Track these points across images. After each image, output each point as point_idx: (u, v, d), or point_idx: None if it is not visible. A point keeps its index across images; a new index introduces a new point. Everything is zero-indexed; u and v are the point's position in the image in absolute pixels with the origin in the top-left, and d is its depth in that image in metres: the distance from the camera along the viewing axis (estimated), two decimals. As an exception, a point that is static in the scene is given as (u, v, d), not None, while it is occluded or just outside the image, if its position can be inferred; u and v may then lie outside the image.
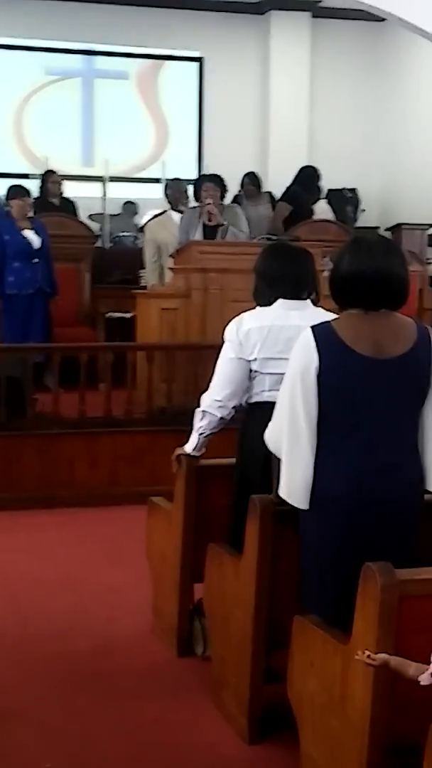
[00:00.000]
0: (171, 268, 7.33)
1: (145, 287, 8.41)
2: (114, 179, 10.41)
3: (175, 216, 7.83)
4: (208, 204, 7.08)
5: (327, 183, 11.16)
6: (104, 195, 10.00)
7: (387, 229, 10.24)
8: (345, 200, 10.86)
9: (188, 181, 8.32)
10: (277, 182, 10.10)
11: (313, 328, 3.02)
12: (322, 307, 3.86)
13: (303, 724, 2.83)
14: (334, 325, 3.01)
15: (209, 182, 7.19)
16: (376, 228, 11.23)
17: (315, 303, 3.81)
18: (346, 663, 2.59)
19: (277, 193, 10.06)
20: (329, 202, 10.75)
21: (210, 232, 7.18)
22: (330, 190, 11.23)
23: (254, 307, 3.83)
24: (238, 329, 3.73)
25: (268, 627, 3.23)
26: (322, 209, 10.39)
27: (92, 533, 5.82)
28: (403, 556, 2.83)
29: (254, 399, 3.75)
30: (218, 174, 7.39)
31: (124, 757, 3.23)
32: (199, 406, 3.84)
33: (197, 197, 7.29)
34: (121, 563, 5.23)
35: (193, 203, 7.59)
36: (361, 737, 2.51)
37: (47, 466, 6.31)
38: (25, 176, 10.81)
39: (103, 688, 3.74)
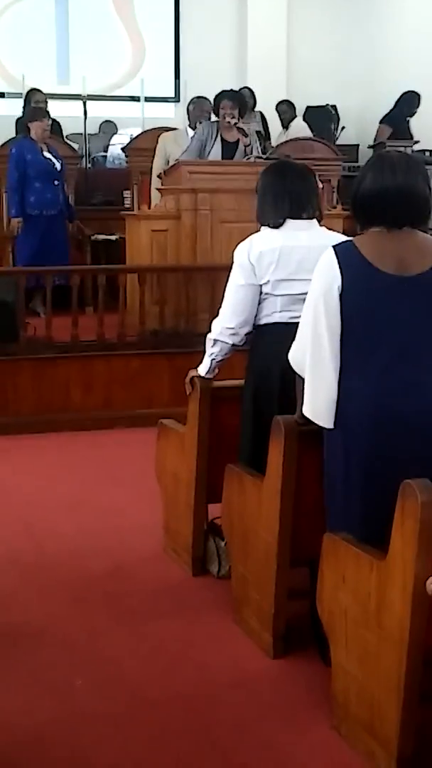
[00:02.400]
0: (159, 189, 7.23)
1: (130, 209, 8.32)
2: (91, 98, 10.18)
3: (191, 132, 7.65)
4: (232, 123, 6.94)
5: (305, 100, 11.03)
6: (85, 114, 9.80)
7: (369, 147, 10.15)
8: (327, 117, 10.73)
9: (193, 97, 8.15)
10: (256, 99, 9.93)
11: (334, 247, 3.00)
12: (326, 227, 3.85)
13: (335, 638, 2.88)
14: (357, 244, 2.99)
15: (228, 100, 7.02)
16: (356, 146, 11.15)
17: (319, 222, 3.80)
18: (382, 578, 2.63)
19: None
20: (306, 119, 10.61)
21: (229, 148, 7.06)
22: (309, 107, 11.09)
23: (258, 230, 3.80)
24: (250, 252, 3.70)
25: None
26: (300, 126, 10.26)
27: (90, 456, 5.85)
28: (430, 472, 2.86)
29: (264, 320, 3.75)
30: (238, 90, 7.19)
31: (151, 674, 3.28)
32: (209, 332, 3.82)
33: (216, 113, 7.13)
34: (123, 484, 5.28)
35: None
36: (398, 649, 2.57)
37: (42, 391, 6.32)
38: (1, 95, 10.58)
39: (121, 608, 3.79)
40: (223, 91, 7.11)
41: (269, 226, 3.74)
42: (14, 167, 7.54)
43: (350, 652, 2.81)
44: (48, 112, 7.88)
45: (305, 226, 3.70)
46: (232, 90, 7.30)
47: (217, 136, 7.04)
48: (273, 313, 3.72)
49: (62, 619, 3.69)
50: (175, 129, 8.01)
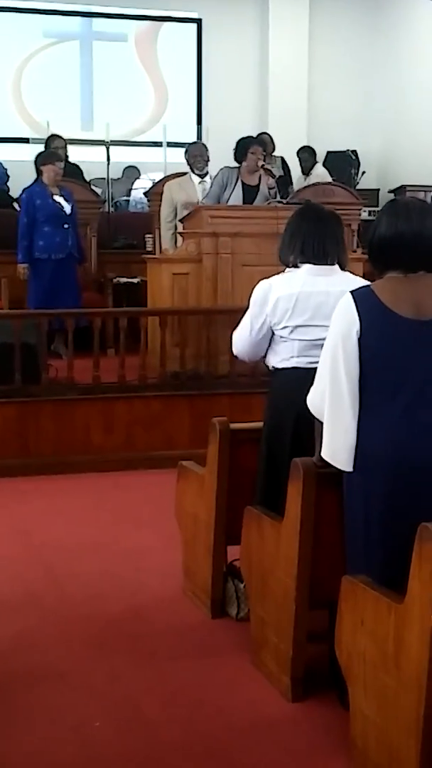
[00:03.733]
0: (181, 233, 7.32)
1: (152, 252, 8.41)
2: (114, 143, 10.35)
3: (195, 178, 7.80)
4: (261, 165, 7.11)
5: (326, 145, 11.15)
6: (108, 159, 9.94)
7: (390, 191, 10.24)
8: (347, 162, 10.83)
9: (188, 144, 8.30)
10: (277, 144, 10.05)
11: (352, 292, 3.04)
12: (350, 271, 3.88)
13: (353, 682, 2.88)
14: (374, 288, 3.03)
15: (258, 145, 7.18)
16: (377, 190, 11.25)
17: (343, 267, 3.83)
18: (400, 622, 2.64)
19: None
20: (327, 165, 10.72)
21: (250, 192, 7.16)
22: (330, 152, 11.21)
23: (281, 271, 3.85)
24: (269, 294, 3.76)
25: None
26: (321, 172, 10.37)
27: (111, 498, 5.87)
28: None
29: (282, 365, 3.79)
30: (267, 133, 7.33)
31: (169, 718, 3.28)
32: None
33: (240, 158, 7.22)
34: (143, 526, 5.29)
35: (215, 168, 7.52)
36: (417, 693, 2.57)
37: (63, 432, 6.36)
38: (26, 140, 10.77)
39: (140, 650, 3.79)
40: (249, 137, 7.23)
41: (287, 266, 3.79)
42: (24, 213, 7.67)
43: (369, 696, 2.81)
44: (60, 156, 8.00)
45: (326, 272, 3.74)
46: (252, 136, 7.40)
47: (237, 181, 7.14)
48: (291, 358, 3.76)
49: (82, 661, 3.70)
50: (183, 174, 8.11)
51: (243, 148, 7.17)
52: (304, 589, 3.27)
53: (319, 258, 3.74)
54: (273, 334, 3.80)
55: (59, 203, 7.72)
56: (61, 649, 3.80)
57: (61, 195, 7.77)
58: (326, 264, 3.75)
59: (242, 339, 3.89)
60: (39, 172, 7.83)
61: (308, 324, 3.69)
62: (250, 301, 3.83)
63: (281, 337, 3.76)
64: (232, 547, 3.99)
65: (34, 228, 7.63)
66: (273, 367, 3.87)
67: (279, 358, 3.80)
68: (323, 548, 3.27)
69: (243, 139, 7.24)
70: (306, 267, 3.74)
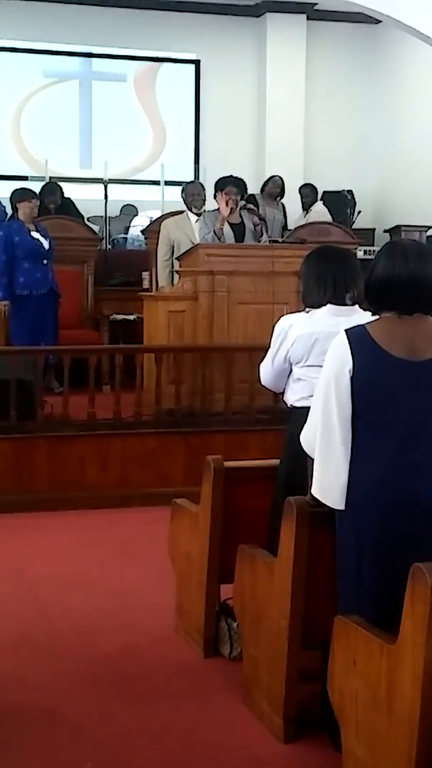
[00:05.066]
0: (177, 271, 7.37)
1: (148, 289, 8.46)
2: (112, 181, 10.43)
3: (192, 217, 7.87)
4: (236, 209, 7.12)
5: (323, 185, 11.24)
6: (106, 197, 10.01)
7: (385, 231, 10.32)
8: (343, 202, 10.92)
9: (185, 183, 8.39)
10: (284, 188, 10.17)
11: (347, 330, 3.07)
12: (369, 310, 3.90)
13: (346, 723, 2.87)
14: (368, 328, 3.05)
15: (233, 186, 7.16)
16: (373, 230, 11.33)
17: (361, 305, 3.85)
18: (392, 662, 2.63)
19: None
20: (325, 204, 10.80)
21: (238, 230, 7.18)
22: (327, 192, 11.30)
23: (301, 310, 3.90)
24: (288, 332, 3.82)
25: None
26: (320, 210, 10.45)
27: (105, 535, 5.85)
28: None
29: (300, 403, 3.81)
30: (240, 177, 7.37)
31: (161, 758, 3.26)
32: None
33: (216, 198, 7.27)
34: (136, 563, 5.27)
35: (213, 206, 7.54)
36: (409, 735, 2.56)
37: (58, 468, 6.35)
38: (25, 178, 10.85)
39: (132, 689, 3.77)
40: (222, 178, 7.25)
41: (312, 308, 3.82)
42: (2, 250, 7.68)
43: (361, 737, 2.79)
44: (35, 193, 8.03)
45: (346, 312, 3.72)
46: (226, 177, 7.38)
47: (224, 222, 7.18)
48: (309, 397, 3.74)
49: (73, 700, 3.68)
50: (179, 213, 8.17)
51: (219, 188, 7.22)
52: (297, 628, 3.26)
53: (340, 298, 3.76)
54: (291, 371, 3.84)
55: (38, 239, 7.76)
56: (52, 687, 3.78)
57: (37, 231, 7.81)
58: (346, 304, 3.77)
59: (266, 371, 3.99)
60: (14, 209, 7.88)
61: None
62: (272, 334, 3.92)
63: (299, 375, 3.79)
64: (225, 586, 3.98)
65: (13, 265, 7.66)
66: (291, 405, 3.90)
67: (297, 396, 3.84)
68: (316, 587, 3.26)
69: (219, 180, 7.26)
70: (327, 307, 3.76)
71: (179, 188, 8.32)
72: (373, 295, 3.11)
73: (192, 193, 8.01)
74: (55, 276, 7.95)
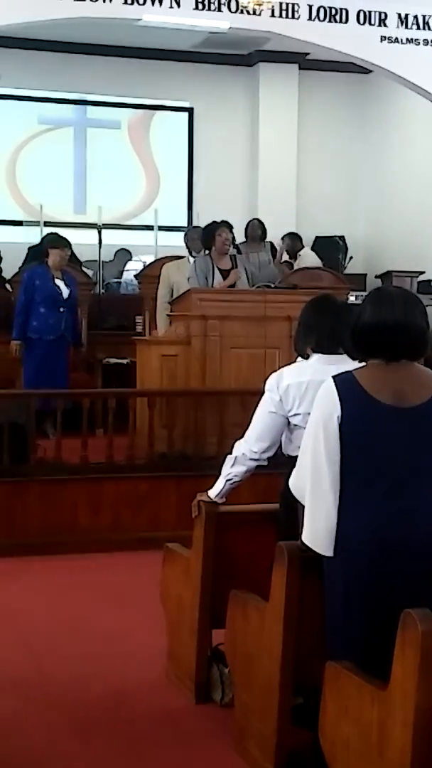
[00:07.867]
0: (169, 315, 7.42)
1: (142, 333, 8.50)
2: (106, 226, 10.52)
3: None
4: (229, 251, 7.31)
5: (314, 230, 11.38)
6: (100, 242, 10.09)
7: (377, 276, 10.41)
8: (335, 247, 11.03)
9: (186, 228, 8.49)
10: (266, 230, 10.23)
11: (335, 377, 3.09)
12: (356, 358, 3.93)
13: (337, 770, 2.86)
14: (356, 375, 3.08)
15: (225, 227, 7.35)
16: (364, 275, 11.43)
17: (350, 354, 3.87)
18: (384, 709, 2.63)
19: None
20: (315, 249, 10.91)
21: (227, 275, 7.33)
22: (318, 237, 11.42)
23: (294, 360, 3.91)
24: (278, 384, 3.80)
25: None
26: (310, 255, 10.54)
27: (97, 579, 5.83)
28: (429, 600, 2.88)
29: (296, 452, 3.79)
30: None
31: (151, 804, 3.24)
32: (230, 452, 3.89)
33: (208, 244, 7.38)
34: (128, 608, 5.25)
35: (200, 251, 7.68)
36: (400, 783, 2.55)
37: (50, 512, 6.32)
38: (19, 223, 10.95)
39: (122, 735, 3.75)
40: (213, 222, 7.38)
41: (303, 358, 3.85)
42: (22, 292, 7.82)
43: (352, 784, 2.78)
44: (69, 243, 8.09)
45: (336, 360, 3.71)
46: (216, 221, 7.52)
47: (213, 267, 7.31)
48: None
49: (63, 747, 3.65)
50: (180, 257, 8.26)
51: (210, 233, 7.34)
52: (288, 674, 3.25)
53: (333, 347, 3.77)
54: (289, 423, 3.83)
55: (58, 287, 7.82)
56: (42, 734, 3.75)
57: (62, 279, 7.87)
58: (336, 353, 3.79)
59: (255, 431, 3.86)
60: (45, 254, 7.94)
61: None
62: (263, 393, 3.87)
63: (294, 424, 3.80)
64: (217, 631, 3.97)
65: (30, 307, 7.73)
66: (288, 455, 3.87)
67: (293, 446, 3.80)
68: (308, 632, 3.25)
69: (208, 225, 7.40)
70: (316, 356, 3.79)
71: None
72: (359, 342, 3.13)
73: (194, 237, 8.14)
74: (78, 326, 8.11)
